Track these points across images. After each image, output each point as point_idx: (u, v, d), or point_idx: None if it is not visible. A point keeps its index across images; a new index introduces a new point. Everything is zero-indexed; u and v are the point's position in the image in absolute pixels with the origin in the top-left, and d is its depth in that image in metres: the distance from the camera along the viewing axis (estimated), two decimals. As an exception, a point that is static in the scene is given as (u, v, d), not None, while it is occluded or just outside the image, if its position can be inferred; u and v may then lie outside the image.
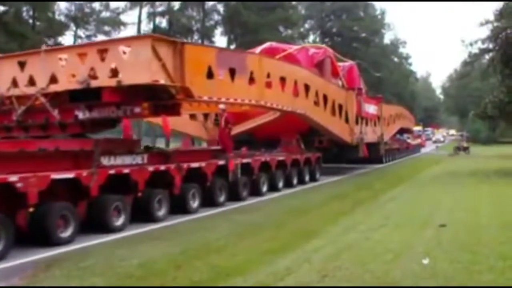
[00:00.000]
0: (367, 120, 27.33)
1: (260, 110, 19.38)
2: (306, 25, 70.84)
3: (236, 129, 21.51)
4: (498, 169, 25.79)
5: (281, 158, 18.74)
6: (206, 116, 22.27)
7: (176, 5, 52.19)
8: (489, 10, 42.14)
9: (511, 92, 21.78)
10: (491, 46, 24.03)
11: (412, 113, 58.51)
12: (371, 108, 28.21)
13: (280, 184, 18.36)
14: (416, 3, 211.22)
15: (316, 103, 20.24)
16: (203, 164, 14.03)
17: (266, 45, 23.75)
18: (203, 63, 12.60)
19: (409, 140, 48.10)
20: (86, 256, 8.54)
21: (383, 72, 70.65)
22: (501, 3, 23.64)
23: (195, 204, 13.56)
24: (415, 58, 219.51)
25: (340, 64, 27.06)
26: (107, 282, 7.19)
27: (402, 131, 42.65)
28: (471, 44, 24.31)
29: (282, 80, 17.10)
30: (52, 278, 7.37)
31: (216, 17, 53.61)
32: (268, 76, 16.11)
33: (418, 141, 56.90)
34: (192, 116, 21.83)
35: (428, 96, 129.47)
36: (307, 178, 20.64)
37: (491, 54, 24.43)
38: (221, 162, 14.96)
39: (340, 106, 22.94)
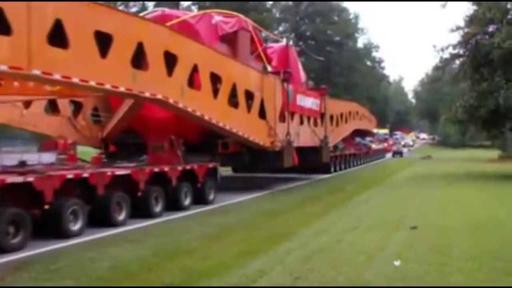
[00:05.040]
0: (301, 117, 21.02)
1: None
2: (280, 28, 71.17)
3: (108, 128, 16.41)
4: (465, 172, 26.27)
5: (121, 172, 12.02)
6: (78, 107, 16.15)
7: (151, 6, 51.98)
8: (460, 17, 43.02)
9: (480, 97, 22.18)
10: (461, 51, 24.53)
11: (384, 116, 58.51)
12: (309, 102, 21.78)
13: (121, 216, 11.60)
14: (389, 9, 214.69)
15: (196, 86, 13.84)
16: None
17: (157, 12, 18.07)
18: None
19: (372, 145, 43.14)
20: (56, 258, 8.36)
21: (356, 76, 71.43)
22: (471, 10, 24.19)
23: None
24: (388, 62, 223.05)
25: (273, 44, 22.98)
26: (77, 284, 7.06)
27: (360, 133, 36.58)
28: (442, 50, 24.77)
29: (107, 40, 10.48)
30: (20, 282, 7.19)
31: (190, 19, 53.59)
32: (61, 28, 9.33)
33: (384, 145, 53.24)
34: (54, 109, 15.48)
35: (400, 99, 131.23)
36: (187, 201, 14.18)
37: (461, 59, 24.93)
38: None
39: (251, 95, 16.71)
